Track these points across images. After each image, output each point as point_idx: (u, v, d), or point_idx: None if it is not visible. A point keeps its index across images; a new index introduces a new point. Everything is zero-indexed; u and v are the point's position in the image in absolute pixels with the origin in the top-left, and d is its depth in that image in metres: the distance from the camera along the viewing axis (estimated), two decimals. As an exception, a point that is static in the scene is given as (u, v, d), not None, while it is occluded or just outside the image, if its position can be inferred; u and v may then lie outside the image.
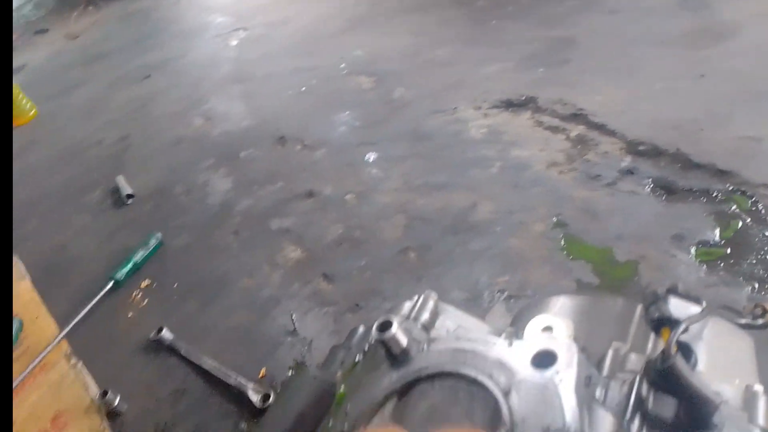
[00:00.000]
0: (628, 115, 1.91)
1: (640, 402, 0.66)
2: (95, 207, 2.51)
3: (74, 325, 1.99)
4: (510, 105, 2.11)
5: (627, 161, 1.79)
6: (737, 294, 1.38)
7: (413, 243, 1.80)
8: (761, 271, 1.41)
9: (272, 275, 1.88)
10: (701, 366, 0.70)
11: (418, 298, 0.77)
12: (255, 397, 1.54)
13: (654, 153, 1.78)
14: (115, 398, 1.71)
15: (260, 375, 1.62)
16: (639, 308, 0.77)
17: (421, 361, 0.62)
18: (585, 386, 0.55)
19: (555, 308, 0.83)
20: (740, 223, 1.55)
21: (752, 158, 1.66)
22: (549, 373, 0.54)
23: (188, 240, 2.14)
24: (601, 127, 1.91)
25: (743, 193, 1.60)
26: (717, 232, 1.55)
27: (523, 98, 2.10)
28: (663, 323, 0.67)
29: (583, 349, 0.72)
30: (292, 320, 1.70)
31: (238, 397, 1.54)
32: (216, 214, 2.18)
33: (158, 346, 1.80)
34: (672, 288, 0.73)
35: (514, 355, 0.58)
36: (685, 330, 0.67)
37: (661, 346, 0.68)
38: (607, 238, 1.59)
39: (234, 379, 1.60)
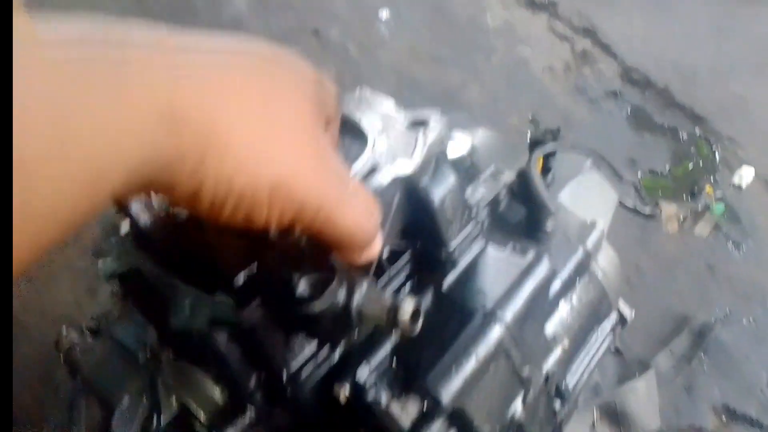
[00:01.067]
0: (636, 43, 1.94)
1: (496, 203, 0.78)
2: None
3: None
4: (532, 4, 2.12)
5: (616, 84, 1.85)
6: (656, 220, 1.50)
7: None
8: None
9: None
10: (562, 197, 0.81)
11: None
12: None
13: (643, 83, 1.84)
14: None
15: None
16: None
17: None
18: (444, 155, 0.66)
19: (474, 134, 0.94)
20: (691, 166, 1.65)
21: (730, 112, 1.73)
22: (416, 131, 0.66)
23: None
24: (605, 48, 1.95)
25: (707, 140, 1.69)
26: (668, 167, 1.64)
27: (546, 1, 2.12)
28: (534, 146, 0.78)
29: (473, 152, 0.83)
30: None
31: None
32: (224, 27, 2.24)
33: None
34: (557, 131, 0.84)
35: (398, 117, 0.70)
36: (551, 153, 0.78)
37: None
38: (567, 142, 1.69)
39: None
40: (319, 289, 0.48)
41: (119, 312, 0.81)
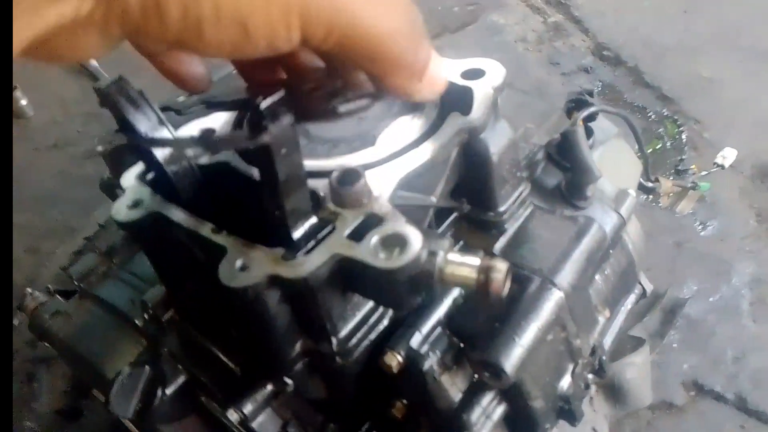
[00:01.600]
0: (608, 19, 1.94)
1: (533, 165, 0.73)
2: None
3: None
4: (504, -27, 2.09)
5: (588, 60, 1.84)
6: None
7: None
8: (660, 186, 1.54)
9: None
10: (595, 158, 0.77)
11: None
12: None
13: (615, 61, 1.84)
14: (22, 98, 1.67)
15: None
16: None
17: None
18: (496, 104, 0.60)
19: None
20: (660, 145, 1.67)
21: (697, 94, 1.76)
22: (473, 82, 0.59)
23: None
24: (578, 22, 1.94)
25: (674, 121, 1.71)
26: (636, 146, 1.65)
27: (518, -30, 2.08)
28: (576, 107, 0.73)
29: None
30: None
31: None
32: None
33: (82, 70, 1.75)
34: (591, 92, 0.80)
35: (451, 66, 0.63)
36: (593, 114, 0.74)
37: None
38: (540, 113, 1.66)
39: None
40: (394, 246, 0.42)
41: (104, 270, 0.71)
